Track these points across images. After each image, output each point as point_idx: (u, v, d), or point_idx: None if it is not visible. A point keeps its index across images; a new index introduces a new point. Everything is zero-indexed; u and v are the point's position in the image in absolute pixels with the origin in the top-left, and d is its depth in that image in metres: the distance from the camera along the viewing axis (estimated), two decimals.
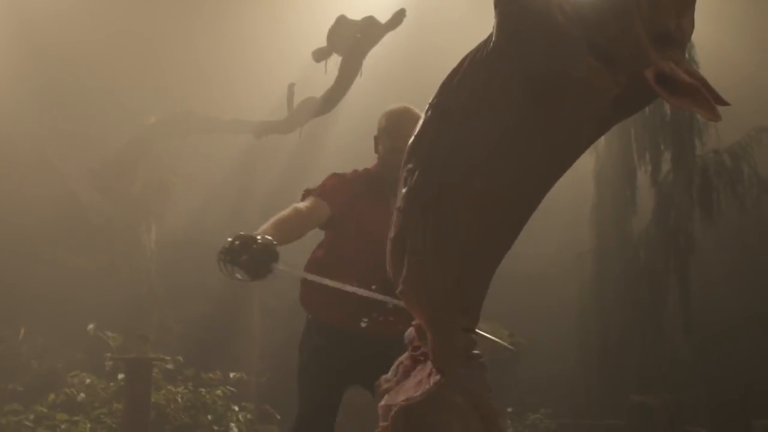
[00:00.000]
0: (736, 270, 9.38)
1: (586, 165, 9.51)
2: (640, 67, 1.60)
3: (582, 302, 9.45)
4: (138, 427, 6.46)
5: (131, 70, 9.57)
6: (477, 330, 1.89)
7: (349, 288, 3.17)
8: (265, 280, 3.12)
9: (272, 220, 3.29)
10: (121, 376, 7.09)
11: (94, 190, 9.31)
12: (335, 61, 8.33)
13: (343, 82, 8.43)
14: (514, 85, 1.71)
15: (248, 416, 7.53)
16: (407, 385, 1.87)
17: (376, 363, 2.58)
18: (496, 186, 1.76)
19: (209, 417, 7.21)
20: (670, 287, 8.95)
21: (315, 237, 3.66)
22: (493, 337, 3.36)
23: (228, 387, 7.56)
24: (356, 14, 8.20)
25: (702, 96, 1.58)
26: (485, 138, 1.75)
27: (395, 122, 3.44)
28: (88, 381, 7.44)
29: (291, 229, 3.32)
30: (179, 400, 7.16)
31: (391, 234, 1.86)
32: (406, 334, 2.01)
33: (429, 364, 1.84)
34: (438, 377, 1.78)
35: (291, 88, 8.74)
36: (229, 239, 3.05)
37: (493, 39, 1.74)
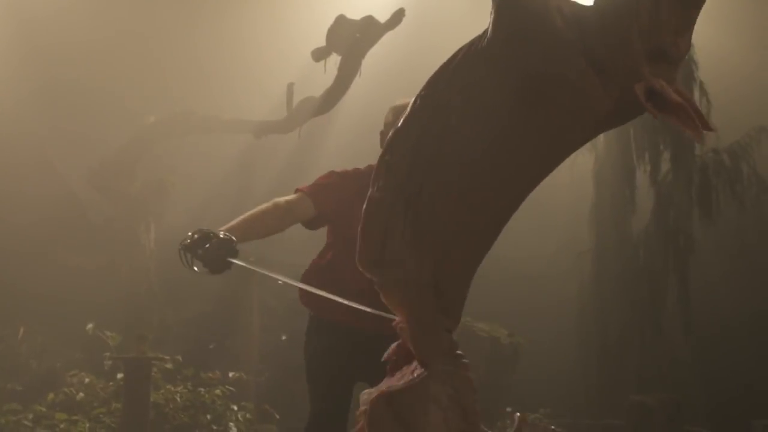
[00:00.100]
0: (735, 270, 9.38)
1: (585, 165, 9.52)
2: (631, 81, 1.60)
3: (581, 302, 9.45)
4: (137, 427, 6.46)
5: (131, 70, 9.57)
6: None
7: (321, 292, 3.11)
8: (223, 275, 3.16)
9: (244, 215, 3.30)
10: (120, 375, 7.09)
11: (94, 190, 9.30)
12: (334, 60, 8.32)
13: (342, 81, 8.42)
14: (507, 85, 1.70)
15: (247, 416, 7.53)
16: (392, 380, 1.87)
17: (381, 360, 2.57)
18: (481, 185, 1.76)
19: (208, 416, 7.20)
20: (670, 287, 8.96)
21: (320, 238, 3.65)
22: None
23: (227, 386, 7.55)
24: (355, 14, 8.20)
25: (688, 115, 1.59)
26: (475, 136, 1.74)
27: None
28: (87, 380, 7.43)
29: (263, 224, 3.32)
30: (178, 399, 7.16)
31: (366, 224, 1.82)
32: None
33: (415, 362, 1.84)
34: (422, 371, 1.79)
35: (290, 87, 8.74)
36: (190, 233, 3.12)
37: (489, 36, 1.73)
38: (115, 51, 9.51)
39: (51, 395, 7.15)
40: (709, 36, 8.74)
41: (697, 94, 8.84)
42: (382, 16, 8.09)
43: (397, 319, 1.88)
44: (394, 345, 1.97)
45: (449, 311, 1.82)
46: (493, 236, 1.83)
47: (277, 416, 8.08)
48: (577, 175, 9.30)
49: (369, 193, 1.83)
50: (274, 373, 9.09)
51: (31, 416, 6.81)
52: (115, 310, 8.60)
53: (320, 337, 3.51)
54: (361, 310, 2.83)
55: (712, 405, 8.82)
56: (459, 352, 1.81)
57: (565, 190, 9.21)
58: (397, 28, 8.09)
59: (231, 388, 7.57)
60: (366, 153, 3.65)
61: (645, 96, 1.59)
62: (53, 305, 8.36)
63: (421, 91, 1.82)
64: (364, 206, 1.83)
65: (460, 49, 1.79)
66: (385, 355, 2.00)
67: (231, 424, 7.24)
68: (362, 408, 1.82)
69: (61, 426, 6.68)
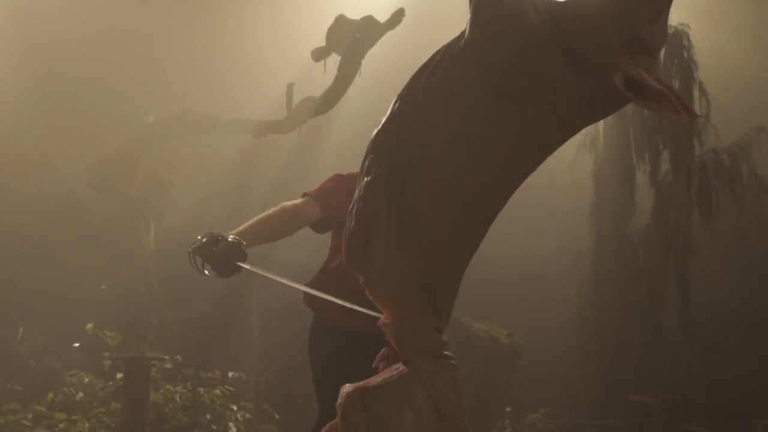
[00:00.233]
0: (735, 269, 9.39)
1: (585, 165, 9.53)
2: (609, 72, 1.61)
3: (581, 302, 9.46)
4: (136, 427, 6.46)
5: (131, 70, 9.57)
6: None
7: (323, 295, 3.13)
8: (232, 278, 3.20)
9: (253, 219, 3.34)
10: (119, 375, 7.09)
11: (93, 190, 9.30)
12: (334, 60, 8.33)
13: (342, 81, 8.43)
14: (485, 82, 1.71)
15: (247, 416, 7.53)
16: (375, 377, 1.88)
17: None
18: (463, 183, 1.76)
19: (208, 416, 7.21)
20: (669, 287, 8.97)
21: (320, 238, 3.65)
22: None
23: (227, 386, 7.55)
24: (355, 14, 8.20)
25: (669, 101, 1.59)
26: (456, 135, 1.75)
27: None
28: (86, 380, 7.44)
29: (271, 228, 3.35)
30: (178, 399, 7.16)
31: (351, 224, 1.84)
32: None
33: (400, 364, 1.83)
34: (402, 369, 1.78)
35: (290, 87, 8.75)
36: (199, 236, 3.15)
37: (466, 36, 1.76)
38: (115, 51, 9.51)
39: (50, 395, 7.16)
40: (709, 36, 8.77)
41: (697, 94, 8.85)
42: (382, 16, 8.10)
43: (383, 317, 1.88)
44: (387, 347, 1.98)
45: (439, 310, 1.81)
46: (481, 234, 1.83)
47: (277, 416, 8.08)
48: (577, 175, 9.33)
49: (354, 195, 1.86)
50: (274, 373, 9.10)
51: (30, 416, 6.81)
52: (115, 309, 8.60)
53: (327, 339, 3.51)
54: (367, 314, 2.84)
55: (712, 405, 8.82)
56: (448, 353, 1.80)
57: (564, 191, 9.23)
58: (397, 28, 8.10)
59: (230, 388, 7.57)
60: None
61: (624, 85, 1.59)
62: (53, 305, 8.36)
63: (402, 92, 1.84)
64: (349, 207, 1.86)
65: (439, 51, 1.81)
66: (378, 355, 2.00)
67: (230, 424, 7.24)
68: (339, 401, 1.82)
69: (61, 426, 6.68)
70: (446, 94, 1.76)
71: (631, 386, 8.53)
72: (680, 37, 8.79)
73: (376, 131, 1.87)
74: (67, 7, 8.99)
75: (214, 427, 7.18)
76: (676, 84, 8.84)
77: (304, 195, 3.51)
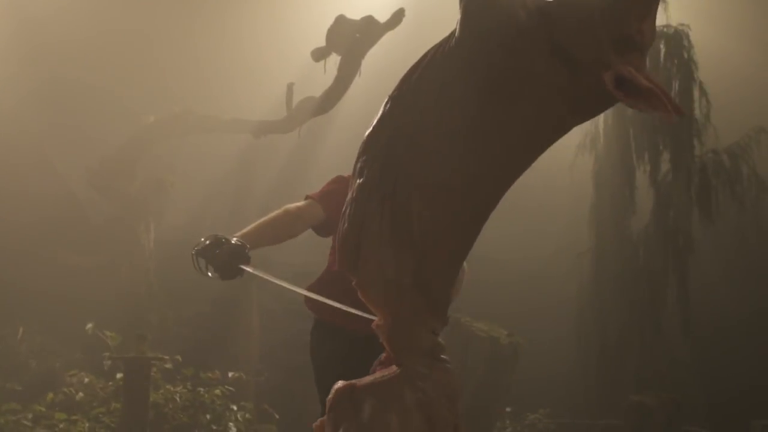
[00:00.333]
0: (734, 270, 9.39)
1: (585, 165, 9.53)
2: (599, 70, 1.61)
3: (581, 302, 9.46)
4: (136, 427, 6.46)
5: (131, 70, 9.57)
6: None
7: (321, 299, 3.13)
8: (235, 280, 3.20)
9: (256, 222, 3.34)
10: (119, 375, 7.09)
11: (93, 190, 9.31)
12: (334, 60, 8.33)
13: (342, 81, 8.43)
14: (474, 80, 1.72)
15: (247, 416, 7.53)
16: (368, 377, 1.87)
17: None
18: (456, 182, 1.76)
19: (208, 416, 7.20)
20: (669, 287, 8.97)
21: (319, 238, 3.64)
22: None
23: (227, 386, 7.55)
24: (355, 14, 8.20)
25: (659, 99, 1.59)
26: (445, 132, 1.75)
27: None
28: (86, 380, 7.43)
29: (275, 230, 3.35)
30: (178, 399, 7.16)
31: (343, 225, 1.84)
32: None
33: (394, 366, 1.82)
34: (394, 370, 1.77)
35: (290, 87, 8.75)
36: (203, 239, 3.14)
37: (457, 35, 1.76)
38: (115, 51, 9.52)
39: (50, 395, 7.15)
40: (709, 36, 8.77)
41: (697, 94, 8.86)
42: (382, 16, 8.10)
43: (376, 319, 1.87)
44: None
45: (435, 310, 1.81)
46: (475, 232, 1.83)
47: (277, 416, 8.08)
48: (577, 175, 9.33)
49: (348, 196, 1.85)
50: (274, 373, 9.09)
51: (30, 416, 6.81)
52: (115, 309, 8.60)
53: (329, 341, 3.51)
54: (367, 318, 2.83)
55: (712, 405, 8.82)
56: (444, 356, 1.79)
57: (564, 191, 9.23)
58: (397, 28, 8.10)
59: (230, 388, 7.56)
60: None
61: (614, 83, 1.60)
62: (53, 305, 8.36)
63: (392, 92, 1.84)
64: (344, 207, 1.85)
65: (429, 51, 1.81)
66: (377, 360, 1.99)
67: (230, 424, 7.24)
68: (328, 396, 1.82)
69: (61, 426, 6.68)
70: (437, 94, 1.76)
71: (631, 386, 8.54)
72: (680, 37, 8.79)
73: (367, 133, 1.86)
74: (67, 7, 8.99)
75: (214, 427, 7.18)
76: (676, 84, 8.85)
77: (306, 197, 3.50)
